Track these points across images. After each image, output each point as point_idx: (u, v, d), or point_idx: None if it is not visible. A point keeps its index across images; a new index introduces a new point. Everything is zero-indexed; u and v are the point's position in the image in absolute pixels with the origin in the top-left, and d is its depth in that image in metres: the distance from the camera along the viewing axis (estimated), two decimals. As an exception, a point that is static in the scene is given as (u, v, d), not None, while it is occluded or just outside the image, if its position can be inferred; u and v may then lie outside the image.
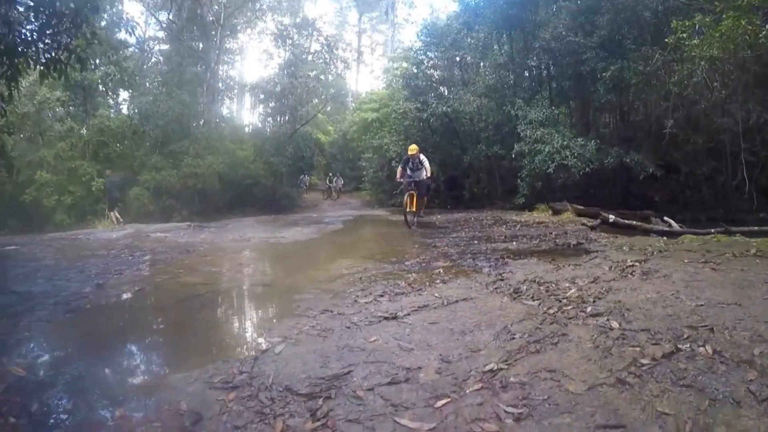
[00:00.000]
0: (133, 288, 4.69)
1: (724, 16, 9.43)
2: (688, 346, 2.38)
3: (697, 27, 10.27)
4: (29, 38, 7.65)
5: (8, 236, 13.42)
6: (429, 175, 10.86)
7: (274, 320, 3.50)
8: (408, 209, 10.55)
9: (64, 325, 3.56)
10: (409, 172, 10.99)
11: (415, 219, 10.81)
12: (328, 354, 2.62)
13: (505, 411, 1.92)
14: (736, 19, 9.08)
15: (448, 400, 2.04)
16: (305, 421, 1.96)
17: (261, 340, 2.99)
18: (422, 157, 11.03)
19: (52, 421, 2.13)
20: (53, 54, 7.73)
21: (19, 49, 7.52)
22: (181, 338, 3.31)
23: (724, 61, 10.68)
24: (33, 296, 4.24)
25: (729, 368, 2.14)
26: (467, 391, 2.11)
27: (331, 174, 30.48)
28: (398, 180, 11.52)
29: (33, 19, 7.59)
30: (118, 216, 15.73)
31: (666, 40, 11.47)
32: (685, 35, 10.49)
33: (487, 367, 2.33)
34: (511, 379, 2.19)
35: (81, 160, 21.81)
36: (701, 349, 2.34)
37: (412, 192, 10.56)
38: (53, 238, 9.57)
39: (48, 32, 7.62)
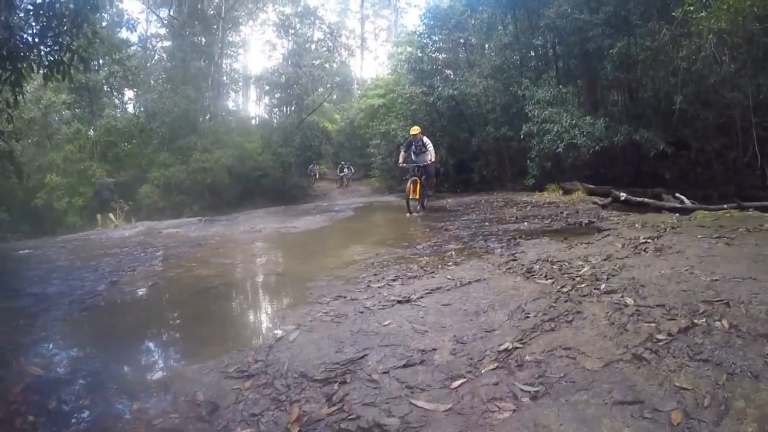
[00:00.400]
0: (147, 284, 4.71)
1: None
2: (704, 320, 2.36)
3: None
4: (31, 42, 7.67)
5: (21, 240, 13.55)
6: (433, 158, 10.24)
7: (288, 308, 3.50)
8: (411, 196, 9.84)
9: (80, 324, 3.58)
10: (412, 156, 10.37)
11: (419, 206, 10.17)
12: (343, 339, 2.63)
13: (522, 390, 1.92)
14: (744, -10, 8.91)
15: (464, 380, 2.04)
16: (321, 407, 1.97)
17: (275, 328, 3.00)
18: (425, 139, 10.34)
19: (70, 417, 2.14)
20: (56, 56, 7.73)
21: (22, 54, 7.55)
22: (196, 330, 3.32)
23: (733, 34, 10.45)
24: (48, 297, 4.26)
25: (746, 342, 2.12)
26: (483, 371, 2.11)
27: (343, 163, 30.18)
28: (400, 165, 10.77)
29: (33, 23, 7.60)
30: (112, 217, 15.78)
31: (673, 13, 11.25)
32: (692, 8, 10.28)
33: (502, 347, 2.32)
34: (527, 357, 2.19)
35: (90, 161, 21.99)
36: (717, 323, 2.32)
37: (415, 178, 9.93)
38: (66, 239, 9.62)
39: (49, 34, 7.63)
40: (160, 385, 2.36)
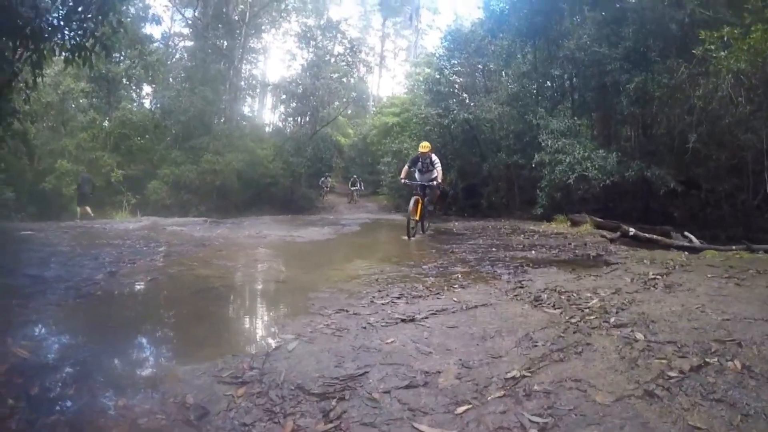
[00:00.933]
0: (146, 278, 4.67)
1: (752, 28, 9.24)
2: (716, 360, 2.28)
3: (725, 38, 10.04)
4: (56, 24, 7.76)
5: (25, 222, 13.57)
6: (440, 179, 9.47)
7: (288, 317, 3.41)
8: (412, 216, 8.94)
9: (74, 310, 3.52)
10: (417, 174, 9.60)
11: (420, 228, 9.43)
12: (343, 354, 2.54)
13: (530, 420, 1.83)
14: (765, 31, 8.90)
15: (469, 406, 1.96)
16: (317, 422, 1.88)
17: (274, 336, 2.92)
18: (434, 157, 9.57)
19: (51, 405, 2.06)
20: (79, 40, 7.81)
21: (45, 35, 7.61)
22: (192, 330, 3.24)
23: (751, 76, 10.44)
24: (45, 280, 4.24)
25: (759, 383, 2.05)
26: (489, 398, 2.02)
27: (355, 177, 29.84)
28: (401, 181, 9.81)
29: (60, 5, 7.66)
30: (89, 211, 15.88)
31: (693, 51, 11.26)
32: (713, 47, 10.29)
33: (510, 374, 2.24)
34: (535, 387, 2.10)
35: (102, 151, 22.20)
36: (730, 363, 2.24)
37: (418, 197, 9.14)
38: (70, 225, 9.67)
39: (74, 18, 7.71)
40: (149, 383, 2.28)
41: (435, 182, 9.37)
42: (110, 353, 2.68)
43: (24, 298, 3.60)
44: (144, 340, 3.08)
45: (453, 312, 3.34)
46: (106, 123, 23.49)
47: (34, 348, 2.63)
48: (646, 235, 9.52)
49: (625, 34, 14.36)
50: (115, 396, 2.13)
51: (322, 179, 29.38)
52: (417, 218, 9.15)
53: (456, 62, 20.92)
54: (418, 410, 1.94)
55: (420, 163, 9.58)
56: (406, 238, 8.74)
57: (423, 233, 9.62)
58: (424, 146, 9.58)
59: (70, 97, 22.71)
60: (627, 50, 14.24)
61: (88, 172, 18.30)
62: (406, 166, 9.73)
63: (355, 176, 30.00)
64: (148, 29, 25.82)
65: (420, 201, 9.17)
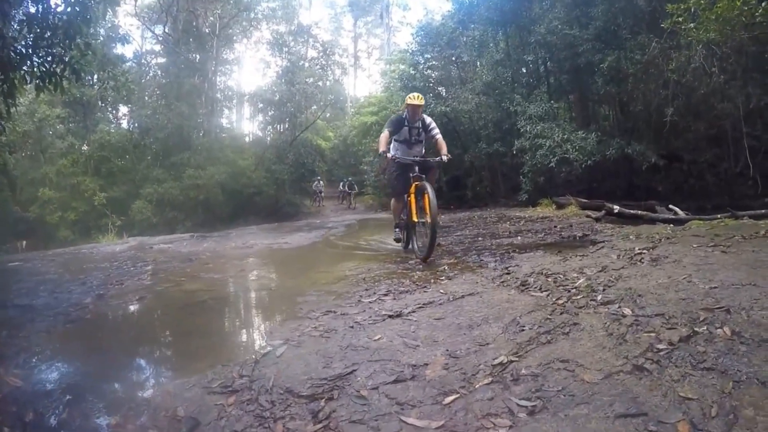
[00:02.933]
0: (134, 297, 4.63)
1: None
2: (705, 328, 2.27)
3: (692, 10, 10.14)
4: (24, 52, 7.65)
5: (11, 254, 13.42)
6: (445, 153, 5.92)
7: (276, 323, 3.42)
8: (413, 219, 5.79)
9: (64, 336, 3.50)
10: (401, 149, 6.21)
11: (424, 239, 5.52)
12: (331, 354, 2.54)
13: (518, 404, 1.83)
14: (732, 0, 8.99)
15: (457, 396, 1.95)
16: (306, 424, 1.88)
17: (262, 343, 2.93)
18: (430, 120, 6.27)
19: (46, 430, 2.10)
20: (48, 67, 7.73)
21: (15, 64, 7.53)
22: (182, 345, 3.26)
23: (722, 45, 10.56)
24: (34, 309, 4.20)
25: (750, 348, 2.03)
26: (477, 386, 2.01)
27: (350, 179, 28.03)
28: (385, 155, 5.83)
29: (27, 33, 7.58)
30: None
31: (662, 25, 11.37)
32: (681, 18, 10.39)
33: (497, 361, 2.23)
34: (523, 371, 2.09)
35: (83, 176, 22.13)
36: (719, 330, 2.23)
37: (418, 182, 5.69)
38: (57, 253, 9.57)
39: (42, 45, 7.63)
40: (141, 401, 2.29)
41: (441, 159, 5.89)
42: (101, 375, 2.68)
43: (13, 328, 3.58)
44: (135, 359, 3.06)
45: (440, 304, 3.33)
46: (84, 147, 23.39)
47: (26, 376, 2.63)
48: (631, 211, 9.61)
49: (594, 15, 14.47)
50: (108, 415, 2.16)
51: (315, 183, 28.61)
52: (428, 219, 5.33)
53: (429, 56, 20.99)
54: (406, 403, 1.93)
55: (409, 129, 6.16)
56: (415, 259, 5.66)
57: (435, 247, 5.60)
58: (413, 99, 6.03)
59: (47, 124, 22.50)
60: (598, 30, 14.36)
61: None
62: (385, 131, 6.04)
63: (350, 179, 28.21)
64: (119, 49, 25.62)
65: (423, 190, 5.50)
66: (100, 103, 25.23)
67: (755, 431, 1.52)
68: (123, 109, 28.38)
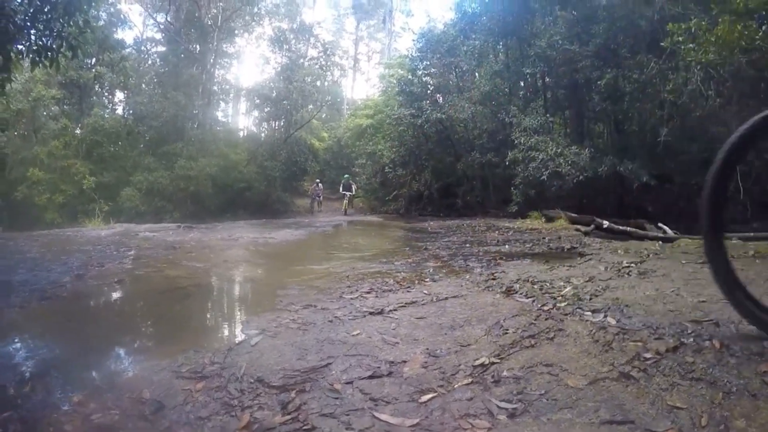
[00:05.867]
0: (113, 279, 4.59)
1: (719, 20, 9.38)
2: (692, 340, 2.23)
3: (693, 30, 10.19)
4: (21, 25, 7.56)
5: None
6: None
7: (254, 314, 3.33)
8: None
9: (37, 312, 3.47)
10: None
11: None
12: (307, 347, 2.46)
13: (498, 406, 1.75)
14: (732, 23, 9.04)
15: (435, 394, 1.87)
16: (274, 414, 1.79)
17: (238, 332, 2.88)
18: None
19: (6, 403, 2.01)
20: (45, 42, 7.68)
21: (11, 36, 7.45)
22: (157, 328, 3.22)
23: (719, 68, 10.62)
24: (11, 285, 4.18)
25: (740, 361, 1.98)
26: (455, 386, 1.93)
27: (347, 176, 23.80)
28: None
29: (27, 6, 7.51)
30: None
31: (662, 44, 11.44)
32: (681, 39, 10.44)
33: (478, 362, 2.15)
34: (504, 373, 2.02)
35: (74, 159, 21.87)
36: (707, 342, 2.18)
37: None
38: (41, 234, 9.53)
39: (41, 19, 7.57)
40: (107, 381, 2.22)
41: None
42: (70, 352, 2.68)
43: None
44: (107, 340, 3.00)
45: (423, 304, 3.26)
46: (78, 130, 23.10)
47: None
48: (620, 227, 9.61)
49: (595, 32, 14.55)
50: (72, 392, 2.10)
51: (314, 185, 25.32)
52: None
53: (429, 63, 20.99)
54: (381, 400, 1.85)
55: None
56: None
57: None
58: None
59: (41, 104, 22.21)
60: (597, 47, 14.44)
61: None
62: None
63: (347, 176, 24.23)
64: (120, 34, 25.46)
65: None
66: (96, 87, 24.99)
67: (748, 441, 1.47)
68: (119, 95, 28.20)
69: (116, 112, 27.65)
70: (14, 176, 20.93)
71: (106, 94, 27.75)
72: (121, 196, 21.29)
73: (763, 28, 9.00)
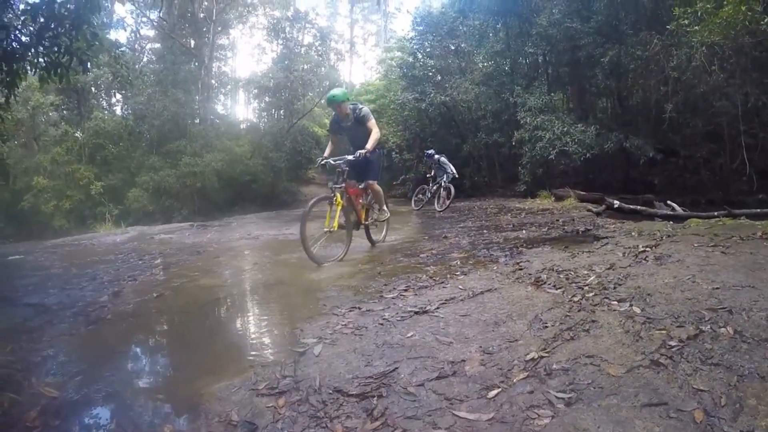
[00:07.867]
0: (152, 294, 4.54)
1: (725, 2, 9.50)
2: (710, 327, 2.49)
3: (699, 13, 10.30)
4: (27, 43, 7.54)
5: (9, 245, 13.24)
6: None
7: (304, 320, 3.39)
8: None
9: (89, 339, 3.39)
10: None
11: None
12: (369, 352, 2.64)
13: (556, 396, 2.01)
14: (737, 5, 9.15)
15: (499, 390, 2.12)
16: (364, 422, 1.98)
17: (296, 341, 2.93)
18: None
19: None
20: (53, 57, 7.61)
21: (17, 54, 7.45)
22: (213, 344, 3.18)
23: (723, 46, 10.73)
24: (48, 308, 4.10)
25: (751, 346, 2.26)
26: (515, 380, 2.18)
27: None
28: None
29: (31, 23, 7.42)
30: None
31: (667, 26, 11.53)
32: (686, 21, 10.55)
33: (529, 356, 2.40)
34: (554, 366, 2.27)
35: (78, 163, 22.00)
36: (723, 330, 2.45)
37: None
38: (56, 244, 9.46)
39: (47, 35, 7.48)
40: (189, 406, 2.26)
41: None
42: (139, 380, 2.69)
43: (33, 332, 3.48)
44: (169, 361, 3.04)
45: (461, 300, 3.46)
46: (79, 134, 23.13)
47: (60, 385, 2.54)
48: (631, 206, 9.80)
49: (596, 8, 14.61)
50: (159, 423, 2.15)
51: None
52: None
53: (428, 45, 20.95)
54: (454, 398, 2.09)
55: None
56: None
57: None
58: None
59: (40, 111, 22.37)
60: (599, 24, 14.48)
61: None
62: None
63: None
64: (113, 35, 25.43)
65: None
66: (94, 90, 25.01)
67: (758, 417, 1.77)
68: (118, 96, 28.21)
69: (116, 113, 27.67)
70: (19, 186, 21.10)
71: (104, 96, 27.77)
72: (128, 198, 21.50)
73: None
